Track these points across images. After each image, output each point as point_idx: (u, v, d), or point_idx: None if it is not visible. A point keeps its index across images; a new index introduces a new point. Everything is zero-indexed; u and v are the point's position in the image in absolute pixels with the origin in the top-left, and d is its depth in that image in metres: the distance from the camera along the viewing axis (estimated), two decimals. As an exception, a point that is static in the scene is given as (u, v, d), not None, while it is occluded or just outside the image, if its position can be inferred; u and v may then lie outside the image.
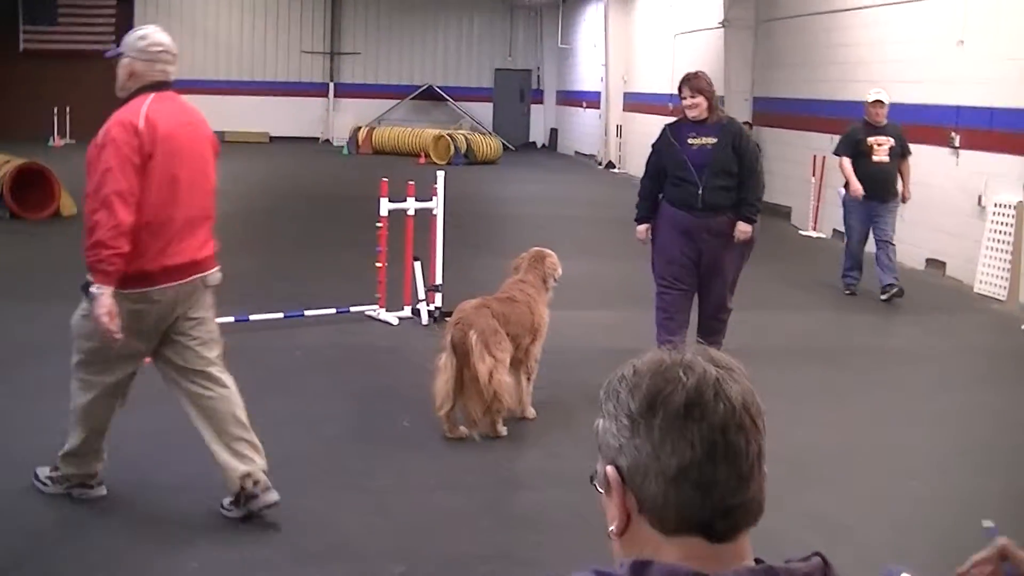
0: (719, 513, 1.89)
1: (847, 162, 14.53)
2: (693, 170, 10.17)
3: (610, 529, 1.99)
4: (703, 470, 1.87)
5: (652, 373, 1.94)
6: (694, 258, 10.36)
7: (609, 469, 1.96)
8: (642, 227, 10.66)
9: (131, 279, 6.53)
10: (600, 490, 2.02)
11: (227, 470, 6.70)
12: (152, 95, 6.78)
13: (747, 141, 10.49)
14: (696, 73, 10.44)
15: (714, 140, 10.14)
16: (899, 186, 14.68)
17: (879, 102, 14.55)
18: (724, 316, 10.61)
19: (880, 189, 14.39)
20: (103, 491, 7.06)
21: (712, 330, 10.36)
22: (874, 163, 14.34)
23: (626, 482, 1.93)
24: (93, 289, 6.38)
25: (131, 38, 6.89)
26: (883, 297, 14.15)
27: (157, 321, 6.80)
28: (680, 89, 10.34)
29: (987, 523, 2.70)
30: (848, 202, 14.77)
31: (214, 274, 7.20)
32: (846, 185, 14.64)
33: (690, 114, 10.21)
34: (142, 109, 6.59)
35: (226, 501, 6.84)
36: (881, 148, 14.39)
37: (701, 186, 10.12)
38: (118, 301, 6.42)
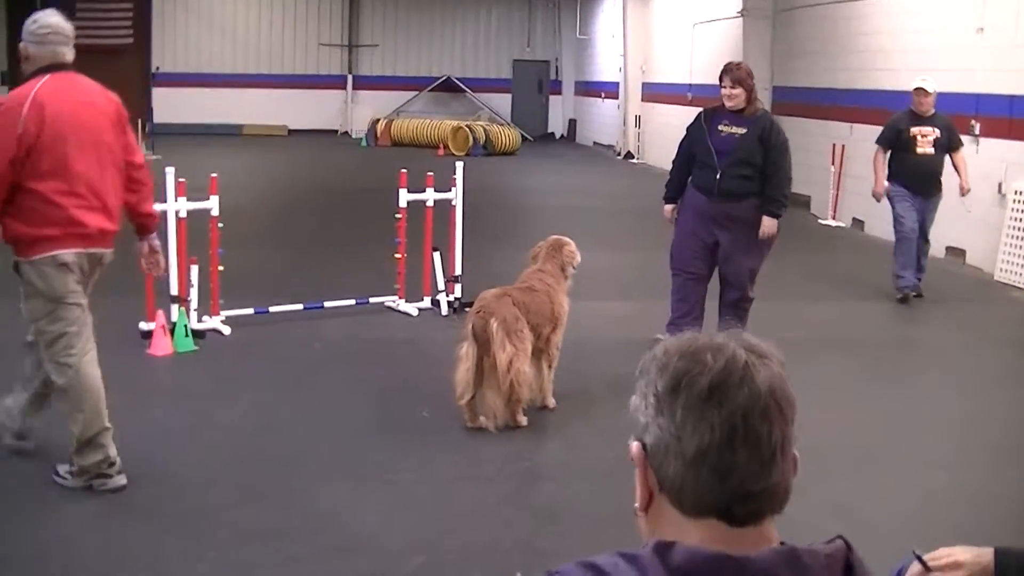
0: (738, 498, 1.88)
1: (880, 155, 13.77)
2: (715, 156, 10.45)
3: (635, 505, 1.99)
4: (721, 454, 1.86)
5: (681, 354, 1.94)
6: (710, 243, 10.64)
7: (634, 445, 1.96)
8: (668, 207, 11.01)
9: (39, 245, 6.94)
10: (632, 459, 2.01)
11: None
12: (46, 76, 7.00)
13: (776, 135, 10.55)
14: (738, 64, 10.70)
15: (743, 131, 10.37)
16: (956, 181, 13.65)
17: (922, 90, 13.43)
18: (745, 305, 10.66)
19: (923, 184, 13.43)
20: (123, 480, 7.09)
21: (731, 317, 10.44)
22: (917, 155, 13.38)
23: (649, 460, 1.94)
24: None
25: (27, 23, 7.15)
26: (899, 296, 13.54)
27: (80, 279, 7.25)
28: (721, 79, 10.56)
29: (917, 552, 2.77)
30: (894, 194, 13.66)
31: (109, 253, 7.57)
32: (889, 177, 13.70)
33: (728, 104, 10.46)
34: (32, 90, 6.83)
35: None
36: (925, 139, 13.38)
37: (719, 171, 10.38)
38: (40, 268, 6.92)
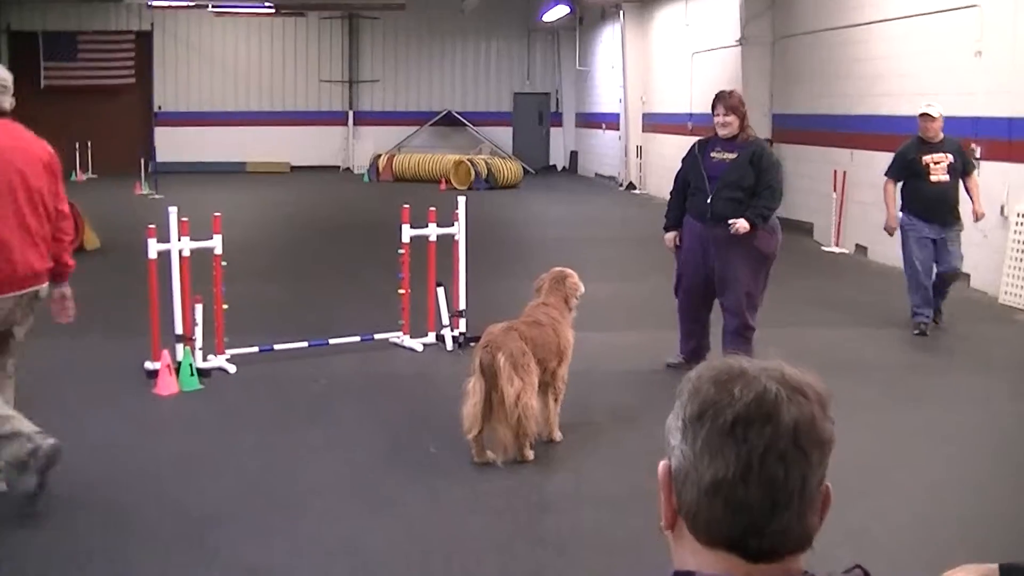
0: (750, 533, 1.87)
1: (891, 187, 13.28)
2: (707, 181, 10.73)
3: (660, 523, 2.00)
4: (735, 490, 1.85)
5: (713, 381, 1.92)
6: (706, 267, 10.84)
7: (662, 464, 1.97)
8: (668, 235, 11.23)
9: None
10: None
11: None
12: None
13: (768, 158, 10.79)
14: (730, 92, 10.94)
15: (734, 155, 10.55)
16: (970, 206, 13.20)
17: (927, 116, 12.96)
18: (746, 334, 10.74)
19: (940, 212, 12.89)
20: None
21: (734, 346, 10.52)
22: (932, 184, 12.84)
23: (672, 482, 1.94)
24: None
25: None
26: (915, 331, 12.96)
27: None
28: (714, 107, 10.82)
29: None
30: (907, 226, 13.10)
31: (45, 288, 7.81)
32: (903, 208, 13.14)
33: (721, 132, 10.73)
34: None
35: None
36: (938, 166, 12.83)
37: (710, 196, 10.65)
38: None
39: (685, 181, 11.02)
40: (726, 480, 1.85)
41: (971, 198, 13.17)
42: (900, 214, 13.20)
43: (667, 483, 1.95)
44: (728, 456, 1.85)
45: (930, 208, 12.91)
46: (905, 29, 18.15)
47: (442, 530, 7.17)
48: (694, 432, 1.89)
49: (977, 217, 13.28)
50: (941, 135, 13.02)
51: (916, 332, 12.99)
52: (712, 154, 10.78)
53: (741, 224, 10.44)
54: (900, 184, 13.25)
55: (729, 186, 10.58)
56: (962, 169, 13.03)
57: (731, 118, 10.65)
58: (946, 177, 12.87)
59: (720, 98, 10.82)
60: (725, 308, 10.87)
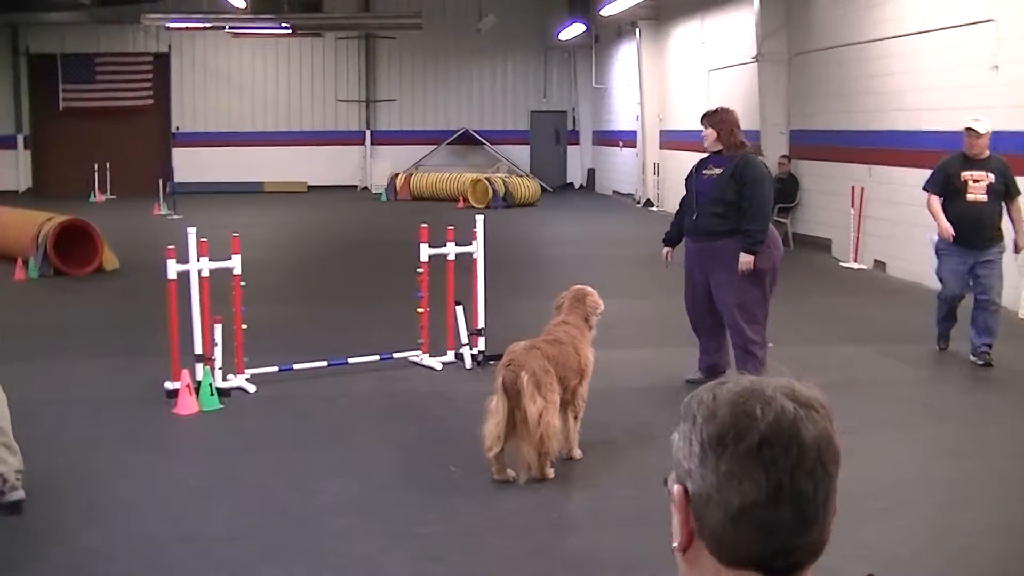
0: (780, 552, 1.87)
1: (935, 200, 12.23)
2: (696, 198, 10.95)
3: (673, 545, 1.98)
4: (766, 512, 1.85)
5: (730, 404, 1.91)
6: (702, 282, 11.03)
7: (676, 488, 1.95)
8: (664, 249, 11.66)
9: None
10: (669, 493, 2.00)
11: None
12: None
13: (750, 170, 10.79)
14: (716, 108, 11.11)
15: (719, 171, 10.62)
16: (1008, 233, 12.35)
17: (973, 131, 12.11)
18: (751, 348, 10.74)
19: (975, 234, 12.02)
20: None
21: (742, 363, 10.66)
22: (968, 202, 12.03)
23: (690, 505, 1.93)
24: None
25: None
26: (976, 361, 12.12)
27: None
28: (702, 121, 10.94)
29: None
30: (940, 248, 12.34)
31: None
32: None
33: (704, 144, 10.89)
34: None
35: None
36: (978, 185, 12.00)
37: (696, 212, 10.91)
38: None
39: (685, 199, 11.29)
40: (757, 503, 1.85)
41: (1014, 227, 12.26)
42: (934, 235, 12.46)
43: (684, 507, 1.94)
44: (758, 479, 1.85)
45: (964, 230, 12.02)
46: (922, 44, 18.13)
47: (462, 550, 7.17)
48: (716, 457, 1.88)
49: (1019, 248, 12.38)
50: (986, 152, 12.18)
51: (941, 347, 12.76)
52: (704, 171, 10.97)
53: (746, 265, 10.49)
54: (940, 200, 12.25)
55: (712, 201, 10.74)
56: (1004, 191, 12.13)
57: (709, 131, 10.89)
58: (984, 197, 12.01)
59: (705, 114, 11.09)
60: (726, 325, 10.93)
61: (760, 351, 10.76)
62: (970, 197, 12.05)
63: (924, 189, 12.51)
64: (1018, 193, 12.30)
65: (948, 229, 12.02)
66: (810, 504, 1.87)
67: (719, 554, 1.90)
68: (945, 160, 12.46)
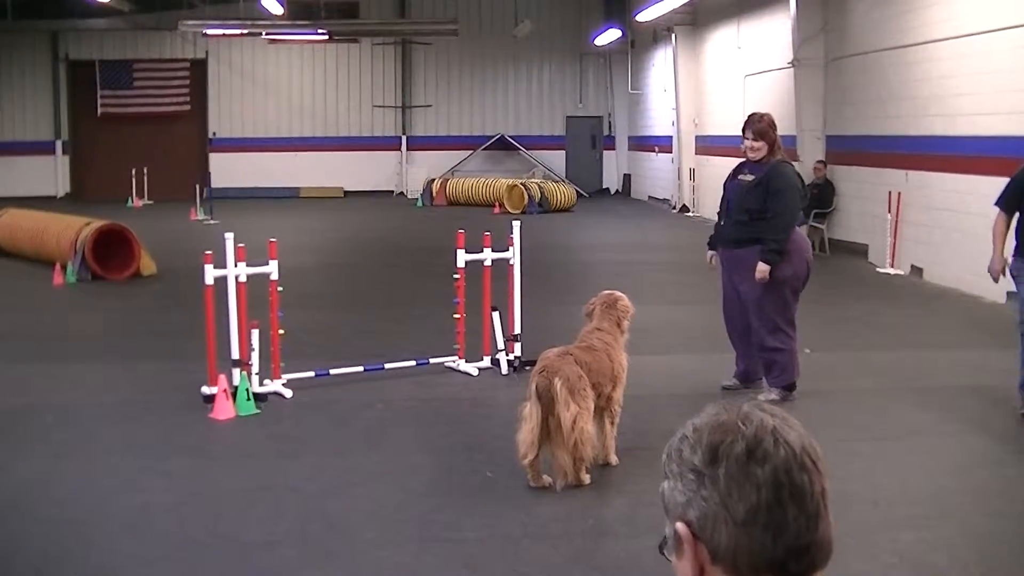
0: (792, 553, 1.91)
1: (1001, 221, 10.33)
2: (727, 205, 10.92)
3: None
4: (772, 512, 1.90)
5: (711, 428, 1.99)
6: (732, 288, 11.00)
7: (679, 525, 1.97)
8: (708, 253, 11.43)
9: None
10: (670, 558, 2.03)
11: None
12: None
13: (777, 179, 10.61)
14: (761, 116, 10.80)
15: (752, 178, 10.52)
16: None
17: None
18: (767, 355, 10.66)
19: None
20: None
21: (765, 368, 10.68)
22: None
23: (697, 535, 1.95)
24: None
25: None
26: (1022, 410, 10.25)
27: None
28: (744, 130, 10.72)
29: None
30: (1016, 272, 10.33)
31: None
32: (1015, 251, 10.29)
33: (750, 155, 10.67)
34: None
35: None
36: None
37: (725, 219, 10.91)
38: None
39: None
40: (761, 505, 1.90)
41: None
42: (1011, 259, 10.41)
43: (691, 539, 1.96)
44: (756, 481, 1.91)
45: None
46: (960, 49, 18.03)
47: (498, 556, 7.16)
48: (712, 474, 1.94)
49: None
50: None
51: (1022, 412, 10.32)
52: (739, 177, 10.87)
53: (760, 273, 10.42)
54: (1015, 219, 10.33)
55: (738, 210, 10.70)
56: None
57: (759, 143, 10.62)
58: None
59: (749, 122, 10.79)
60: (752, 329, 10.87)
61: (782, 358, 10.67)
62: None
63: (996, 204, 10.47)
64: None
65: (998, 263, 10.35)
66: (810, 499, 1.93)
67: (736, 571, 1.92)
68: (1020, 170, 10.38)
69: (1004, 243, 10.37)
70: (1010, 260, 10.40)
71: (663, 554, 2.05)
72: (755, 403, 2.04)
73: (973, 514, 8.00)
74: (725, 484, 1.91)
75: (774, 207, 10.49)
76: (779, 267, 10.48)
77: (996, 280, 10.70)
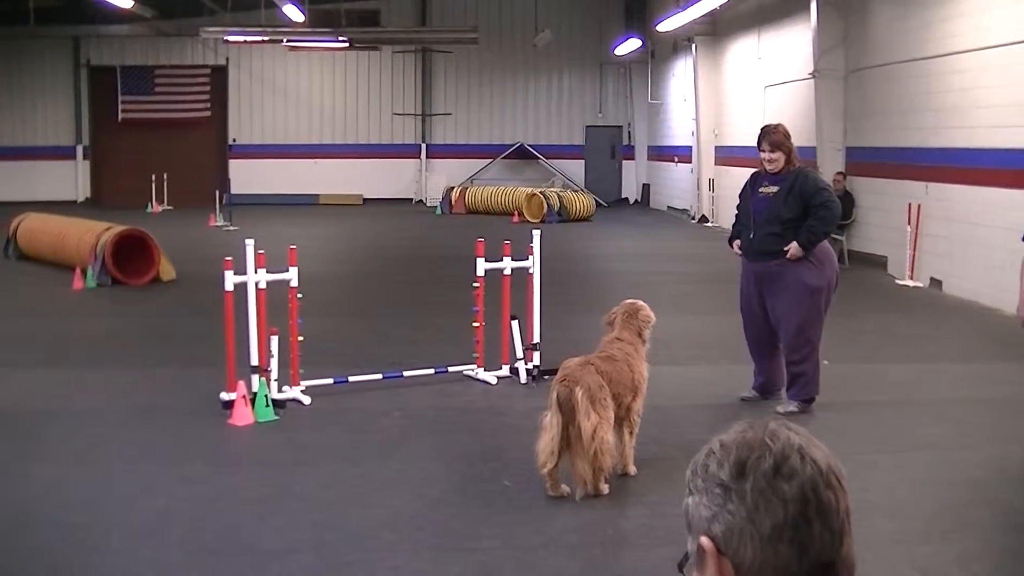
0: (817, 570, 1.91)
1: None
2: (753, 217, 10.82)
3: None
4: (798, 528, 1.90)
5: (739, 444, 1.99)
6: (758, 301, 10.90)
7: (704, 540, 1.97)
8: (735, 242, 11.21)
9: None
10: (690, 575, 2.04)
11: None
12: None
13: (811, 180, 10.67)
14: (775, 127, 10.77)
15: (776, 189, 10.47)
16: None
17: None
18: (795, 368, 10.64)
19: None
20: None
21: (790, 381, 10.64)
22: None
23: (721, 550, 1.95)
24: None
25: None
26: None
27: None
28: (759, 143, 10.70)
29: None
30: None
31: None
32: None
33: (768, 167, 10.63)
34: None
35: None
36: None
37: (753, 232, 10.77)
38: None
39: (742, 210, 11.14)
40: (787, 520, 1.90)
41: None
42: None
43: (716, 553, 1.96)
44: (783, 496, 1.91)
45: None
46: (981, 61, 18.00)
47: (516, 565, 7.16)
48: (740, 488, 1.94)
49: None
50: None
51: None
52: (760, 189, 10.82)
53: (793, 249, 10.40)
54: None
55: (769, 221, 10.62)
56: None
57: (777, 154, 10.59)
58: None
59: (765, 134, 10.74)
60: (780, 342, 10.83)
61: (808, 371, 10.65)
62: None
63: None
64: None
65: (1023, 309, 9.26)
66: (836, 516, 1.93)
67: None
68: None
69: None
70: None
71: (682, 572, 2.04)
72: (781, 421, 2.04)
73: (991, 528, 7.97)
74: (752, 499, 1.91)
75: (820, 202, 10.47)
76: (815, 276, 10.47)
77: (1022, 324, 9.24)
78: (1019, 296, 9.21)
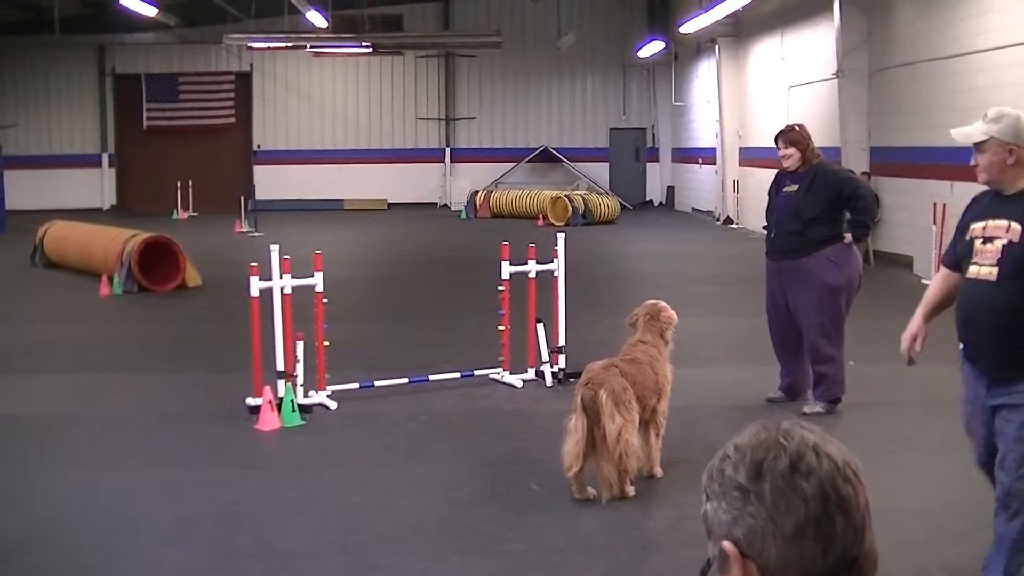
0: (843, 566, 1.91)
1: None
2: (775, 216, 10.86)
3: None
4: (820, 525, 1.90)
5: (753, 446, 2.00)
6: (782, 301, 10.89)
7: (726, 544, 1.97)
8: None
9: None
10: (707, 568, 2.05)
11: None
12: None
13: (827, 176, 10.69)
14: (791, 126, 10.95)
15: (796, 187, 10.49)
16: None
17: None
18: (819, 368, 10.61)
19: (975, 341, 6.82)
20: None
21: (815, 381, 10.62)
22: (968, 280, 6.65)
23: (745, 553, 1.95)
24: None
25: None
26: None
27: None
28: (776, 141, 10.71)
29: None
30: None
31: None
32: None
33: (785, 164, 10.66)
34: None
35: None
36: (986, 249, 6.39)
37: (774, 231, 10.83)
38: None
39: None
40: (809, 517, 1.91)
41: None
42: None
43: (739, 557, 1.96)
44: (803, 493, 1.92)
45: (961, 327, 6.97)
46: (1006, 59, 17.93)
47: (543, 567, 7.17)
48: (758, 490, 1.94)
49: None
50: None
51: None
52: (784, 189, 10.83)
53: (847, 239, 10.49)
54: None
55: (788, 220, 10.63)
56: None
57: (791, 150, 10.60)
58: (990, 269, 6.29)
59: (780, 132, 10.84)
60: (803, 338, 10.80)
61: (833, 371, 10.63)
62: (971, 270, 6.57)
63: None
64: None
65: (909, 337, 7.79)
66: (856, 510, 1.93)
67: None
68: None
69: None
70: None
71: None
72: (794, 420, 2.05)
73: (1020, 527, 7.94)
74: (772, 499, 1.92)
75: (852, 192, 10.53)
76: (835, 274, 10.46)
77: (907, 359, 7.82)
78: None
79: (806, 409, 10.52)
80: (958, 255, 6.81)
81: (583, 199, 34.99)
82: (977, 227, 6.50)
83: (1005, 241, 6.22)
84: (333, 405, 11.09)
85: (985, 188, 6.71)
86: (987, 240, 6.37)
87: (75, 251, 21.76)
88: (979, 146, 6.67)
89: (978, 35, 18.85)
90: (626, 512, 8.10)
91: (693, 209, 39.43)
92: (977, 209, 6.69)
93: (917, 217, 21.11)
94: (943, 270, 7.21)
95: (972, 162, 6.70)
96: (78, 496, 8.47)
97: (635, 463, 8.30)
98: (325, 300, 11.27)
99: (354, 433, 10.38)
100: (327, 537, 7.61)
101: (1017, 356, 6.27)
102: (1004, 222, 6.28)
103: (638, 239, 30.53)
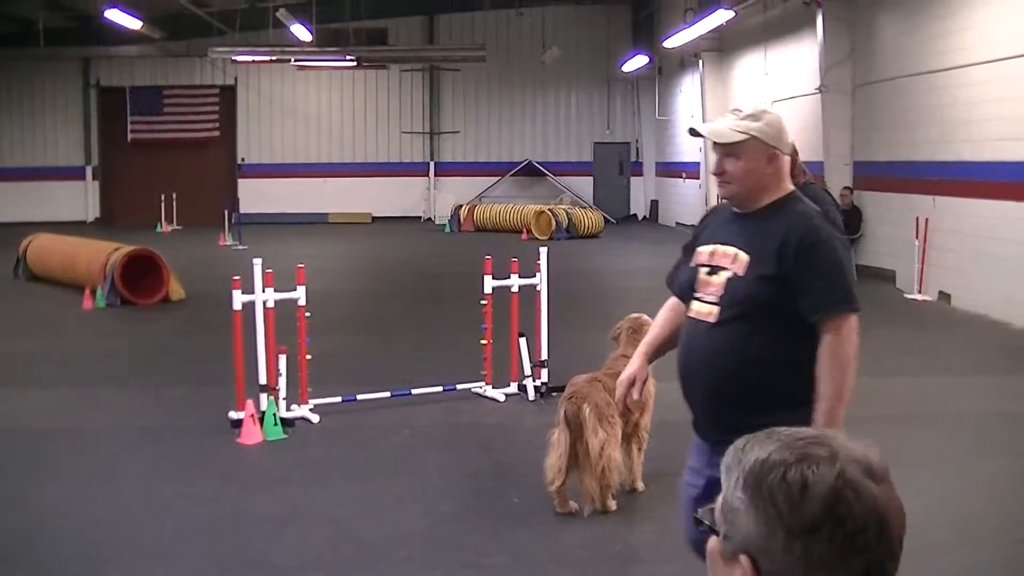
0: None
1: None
2: None
3: None
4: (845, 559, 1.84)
5: (818, 494, 1.85)
6: None
7: (743, 559, 1.89)
8: None
9: None
10: (715, 529, 1.97)
11: None
12: None
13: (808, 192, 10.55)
14: None
15: None
16: None
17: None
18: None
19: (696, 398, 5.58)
20: None
21: None
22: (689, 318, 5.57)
23: (758, 570, 1.88)
24: None
25: None
26: None
27: None
28: None
29: None
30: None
31: None
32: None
33: None
34: None
35: None
36: (709, 284, 5.22)
37: None
38: None
39: None
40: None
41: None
42: None
43: (752, 573, 1.89)
44: (850, 567, 1.85)
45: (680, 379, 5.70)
46: (988, 74, 18.00)
47: (526, 581, 7.18)
48: (804, 545, 1.84)
49: None
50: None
51: None
52: None
53: None
54: None
55: None
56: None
57: None
58: (710, 308, 5.18)
59: None
60: None
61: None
62: (694, 307, 5.40)
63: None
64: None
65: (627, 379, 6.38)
66: (896, 542, 1.91)
67: None
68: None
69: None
70: None
71: (707, 525, 1.99)
72: (860, 456, 1.93)
73: (1003, 541, 7.98)
74: (817, 563, 1.83)
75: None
76: None
77: (621, 407, 6.82)
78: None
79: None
80: (681, 283, 5.49)
81: (567, 213, 35.03)
82: (704, 252, 5.27)
83: (730, 274, 5.03)
84: (316, 419, 11.09)
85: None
86: (713, 270, 5.14)
87: (58, 264, 21.73)
88: (731, 148, 5.14)
89: (960, 50, 18.93)
90: (608, 526, 8.11)
91: (677, 223, 39.45)
92: (711, 226, 5.47)
93: (900, 231, 21.17)
94: (670, 300, 5.77)
95: (715, 169, 5.30)
96: (61, 510, 8.45)
97: (618, 477, 8.31)
98: (308, 314, 11.26)
99: (337, 447, 10.38)
100: (311, 551, 7.60)
101: (741, 416, 4.64)
102: (732, 250, 5.08)
103: (622, 253, 30.54)
